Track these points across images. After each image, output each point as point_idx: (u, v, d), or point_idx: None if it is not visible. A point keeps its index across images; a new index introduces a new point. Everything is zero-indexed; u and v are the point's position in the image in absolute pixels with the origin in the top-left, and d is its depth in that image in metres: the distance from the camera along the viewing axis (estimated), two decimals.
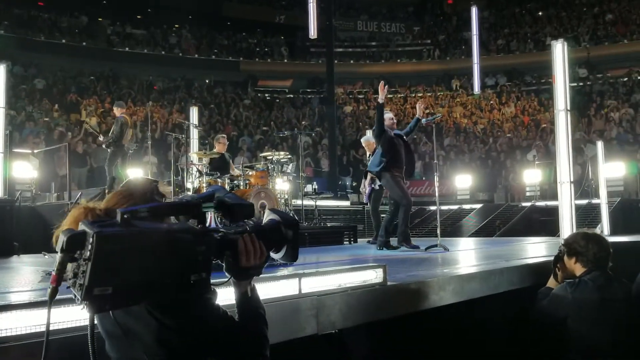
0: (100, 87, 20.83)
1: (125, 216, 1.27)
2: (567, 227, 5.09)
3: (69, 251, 1.23)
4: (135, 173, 10.72)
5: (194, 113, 11.08)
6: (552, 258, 3.78)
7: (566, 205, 5.04)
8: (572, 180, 5.04)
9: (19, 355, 1.78)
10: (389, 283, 3.17)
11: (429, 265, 4.77)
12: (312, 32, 16.90)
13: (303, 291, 2.67)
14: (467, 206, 15.02)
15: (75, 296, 1.23)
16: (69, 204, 8.93)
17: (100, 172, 11.00)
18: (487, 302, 3.84)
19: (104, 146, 10.02)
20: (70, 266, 1.24)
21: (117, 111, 10.02)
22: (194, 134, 10.70)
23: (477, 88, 19.88)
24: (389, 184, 6.85)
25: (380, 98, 6.89)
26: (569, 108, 5.06)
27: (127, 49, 23.89)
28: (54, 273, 1.24)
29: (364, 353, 3.02)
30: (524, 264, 4.53)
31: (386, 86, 7.02)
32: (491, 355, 3.74)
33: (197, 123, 11.02)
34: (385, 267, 3.15)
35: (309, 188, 10.20)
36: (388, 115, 7.10)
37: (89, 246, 1.20)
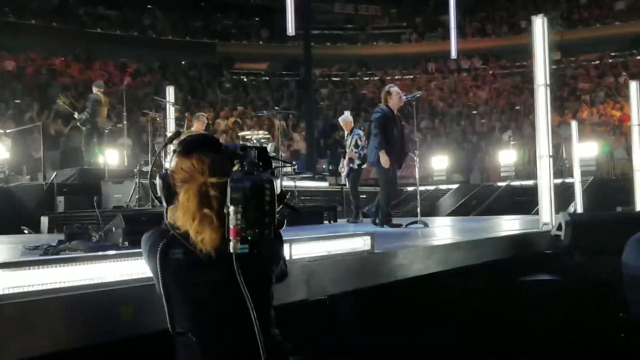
0: (73, 69, 20.39)
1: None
2: (546, 201, 5.17)
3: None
4: (111, 154, 10.58)
5: (170, 92, 10.92)
6: (529, 232, 3.86)
7: (545, 179, 5.12)
8: (550, 154, 5.11)
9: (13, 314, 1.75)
10: (376, 251, 3.20)
11: (413, 238, 4.83)
12: (290, 29, 16.76)
13: (294, 257, 2.67)
14: (443, 187, 15.18)
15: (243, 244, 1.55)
16: (44, 184, 8.80)
17: (75, 154, 10.82)
18: (470, 272, 3.90)
19: (78, 124, 9.86)
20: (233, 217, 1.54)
21: (94, 90, 9.85)
22: (171, 113, 10.56)
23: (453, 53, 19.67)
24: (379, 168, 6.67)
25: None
26: (548, 83, 5.12)
27: (99, 30, 23.36)
28: (234, 227, 1.54)
29: (353, 319, 3.04)
30: (505, 235, 4.61)
31: None
32: (474, 323, 3.80)
33: (173, 102, 10.87)
34: (373, 235, 3.18)
35: (288, 168, 10.17)
36: (395, 90, 6.64)
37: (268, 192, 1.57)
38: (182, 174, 1.70)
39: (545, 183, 5.18)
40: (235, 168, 1.75)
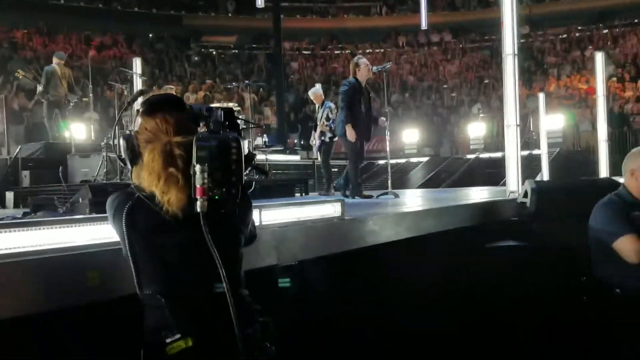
0: (35, 42, 19.76)
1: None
2: (513, 169, 5.26)
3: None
4: (77, 128, 10.34)
5: (136, 64, 10.67)
6: (497, 200, 3.93)
7: (512, 148, 5.20)
8: (518, 123, 5.18)
9: None
10: (346, 217, 3.22)
11: (383, 207, 4.87)
12: (259, 1, 16.49)
13: (264, 223, 2.67)
14: (414, 160, 15.33)
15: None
16: (8, 159, 8.58)
17: (40, 128, 10.55)
18: (439, 238, 3.96)
19: (37, 97, 9.64)
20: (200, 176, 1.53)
21: (53, 61, 9.57)
22: (138, 86, 10.35)
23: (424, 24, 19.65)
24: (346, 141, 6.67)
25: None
26: (515, 52, 5.17)
27: (62, 1, 22.61)
28: (201, 186, 1.53)
29: (323, 285, 3.07)
30: (473, 203, 4.69)
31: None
32: (443, 288, 3.87)
33: (140, 73, 10.64)
34: (343, 201, 3.20)
35: (259, 141, 10.10)
36: (364, 62, 6.63)
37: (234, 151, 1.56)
38: (146, 134, 1.68)
39: (512, 152, 5.26)
40: (201, 129, 1.73)
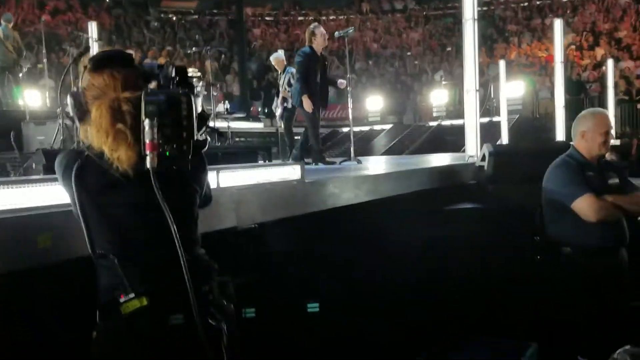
0: None
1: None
2: (472, 134, 5.35)
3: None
4: (32, 95, 10.01)
5: (92, 28, 10.31)
6: (456, 164, 3.99)
7: (471, 113, 5.27)
8: (477, 88, 5.24)
9: None
10: (306, 180, 3.22)
11: (345, 171, 4.90)
12: None
13: (221, 185, 2.65)
14: (378, 127, 15.39)
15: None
16: None
17: None
18: (399, 201, 4.02)
19: None
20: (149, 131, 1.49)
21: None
22: (94, 51, 10.02)
23: None
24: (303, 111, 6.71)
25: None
26: (476, 17, 5.19)
27: None
28: (150, 141, 1.48)
29: (282, 247, 3.09)
30: (432, 166, 4.75)
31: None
32: (402, 249, 3.94)
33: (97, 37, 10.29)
34: (302, 164, 3.19)
35: (220, 108, 9.96)
36: (320, 31, 6.65)
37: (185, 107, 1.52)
38: (94, 91, 1.63)
39: (471, 116, 5.34)
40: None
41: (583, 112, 3.41)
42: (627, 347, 1.22)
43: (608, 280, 3.13)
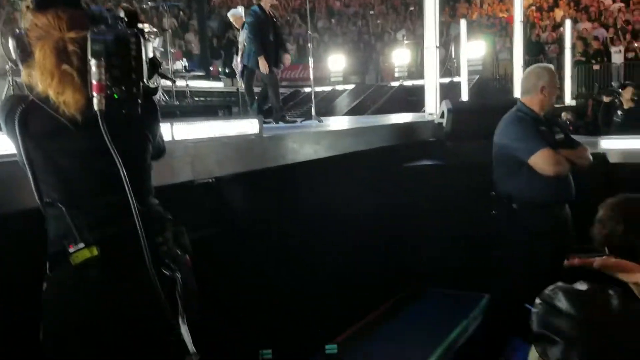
0: None
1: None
2: (431, 92, 5.36)
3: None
4: None
5: None
6: (415, 121, 4.00)
7: (431, 71, 5.27)
8: (437, 45, 5.23)
9: None
10: (265, 135, 3.19)
11: (305, 127, 4.87)
12: None
13: (176, 138, 2.60)
14: (340, 87, 15.30)
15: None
16: None
17: None
18: (359, 157, 4.02)
19: None
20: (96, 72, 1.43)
21: None
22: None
23: None
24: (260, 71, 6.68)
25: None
26: None
27: None
28: (97, 82, 1.43)
29: (240, 202, 3.07)
30: (392, 123, 4.77)
31: None
32: (363, 205, 3.97)
33: None
34: (260, 118, 3.15)
35: (178, 65, 9.67)
36: None
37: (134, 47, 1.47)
38: (37, 31, 1.55)
39: (431, 74, 5.35)
40: None
41: (535, 67, 3.44)
42: (559, 283, 1.26)
43: (555, 233, 3.20)
